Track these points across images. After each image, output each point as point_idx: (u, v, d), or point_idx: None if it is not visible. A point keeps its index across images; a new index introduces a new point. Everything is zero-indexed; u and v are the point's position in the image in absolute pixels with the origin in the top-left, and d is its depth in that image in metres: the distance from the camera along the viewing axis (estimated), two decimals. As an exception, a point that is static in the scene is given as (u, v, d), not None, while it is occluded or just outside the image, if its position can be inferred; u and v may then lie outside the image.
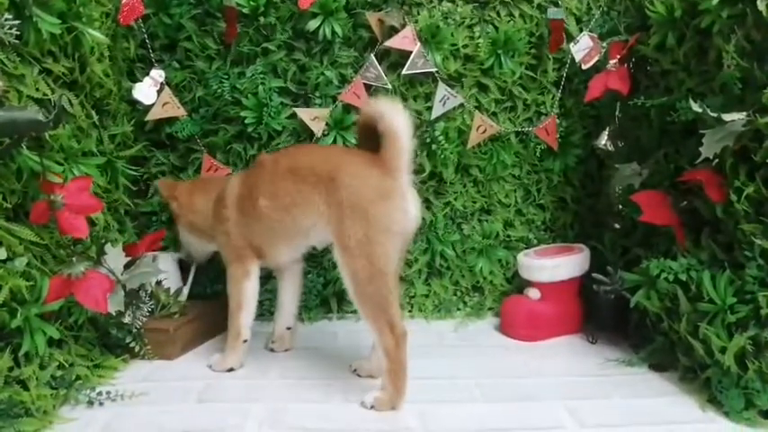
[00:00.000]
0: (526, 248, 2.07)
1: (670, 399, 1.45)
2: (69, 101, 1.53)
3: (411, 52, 1.96)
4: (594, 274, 1.82)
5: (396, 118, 1.42)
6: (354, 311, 2.07)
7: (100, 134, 1.69)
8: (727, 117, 1.34)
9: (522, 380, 1.57)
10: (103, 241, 1.53)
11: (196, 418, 1.36)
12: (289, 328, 1.80)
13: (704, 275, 1.45)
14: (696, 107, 1.39)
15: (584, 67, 1.94)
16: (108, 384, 1.51)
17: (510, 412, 1.38)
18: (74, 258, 1.41)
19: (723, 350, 1.36)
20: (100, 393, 1.43)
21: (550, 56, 2.04)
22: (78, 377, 1.46)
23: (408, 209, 1.44)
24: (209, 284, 2.05)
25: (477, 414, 1.37)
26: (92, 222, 1.60)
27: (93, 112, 1.63)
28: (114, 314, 1.52)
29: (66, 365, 1.44)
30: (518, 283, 2.06)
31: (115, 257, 1.53)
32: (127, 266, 1.57)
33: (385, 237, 1.40)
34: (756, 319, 1.35)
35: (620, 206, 1.87)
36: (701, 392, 1.44)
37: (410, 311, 2.11)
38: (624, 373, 1.62)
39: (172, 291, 1.88)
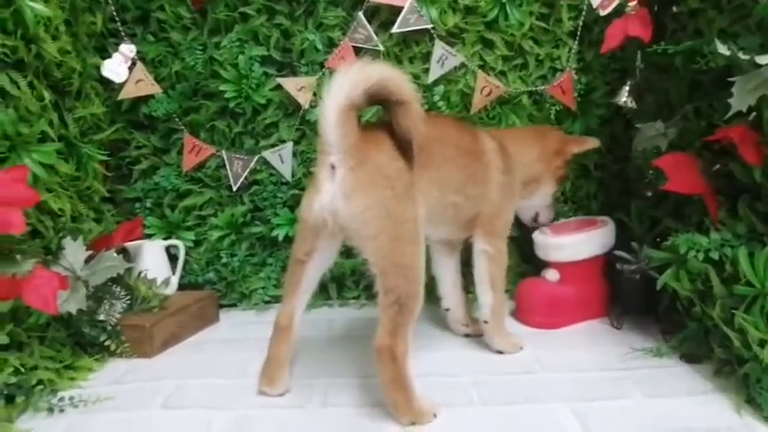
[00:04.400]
0: (543, 224, 1.83)
1: (700, 398, 1.23)
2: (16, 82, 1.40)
3: (402, 8, 1.75)
4: (617, 251, 1.59)
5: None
6: (355, 297, 1.93)
7: (61, 117, 1.57)
8: (762, 60, 1.08)
9: (529, 376, 1.38)
10: (61, 235, 1.41)
11: (156, 427, 1.23)
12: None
13: (740, 252, 1.21)
14: (724, 49, 1.14)
15: (602, 13, 1.68)
16: (78, 387, 1.40)
17: (505, 418, 1.19)
18: (18, 256, 1.30)
19: (762, 343, 1.13)
20: (62, 399, 1.32)
21: (564, 2, 1.78)
22: (41, 381, 1.35)
23: (312, 198, 1.21)
24: (200, 273, 1.93)
25: (469, 419, 1.19)
26: (56, 214, 1.49)
27: (47, 94, 1.50)
28: (75, 313, 1.41)
29: (25, 370, 1.34)
30: (537, 263, 1.84)
31: (74, 252, 1.42)
32: (87, 261, 1.45)
33: (299, 220, 1.31)
34: (803, 306, 1.11)
35: (651, 172, 1.62)
36: (739, 391, 1.21)
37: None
38: (650, 365, 1.40)
39: (159, 281, 1.77)
